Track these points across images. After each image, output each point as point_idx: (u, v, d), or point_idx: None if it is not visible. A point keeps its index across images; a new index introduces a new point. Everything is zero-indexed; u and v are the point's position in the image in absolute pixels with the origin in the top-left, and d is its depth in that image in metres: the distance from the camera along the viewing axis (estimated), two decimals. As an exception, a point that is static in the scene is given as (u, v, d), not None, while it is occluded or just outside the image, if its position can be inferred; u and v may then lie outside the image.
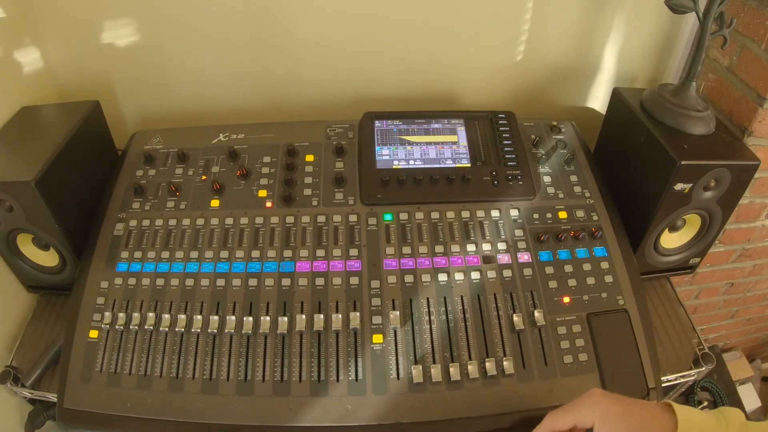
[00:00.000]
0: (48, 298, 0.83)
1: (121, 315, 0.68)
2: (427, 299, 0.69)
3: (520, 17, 0.91)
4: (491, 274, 0.72)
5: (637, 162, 0.81)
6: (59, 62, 0.89)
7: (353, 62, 0.94)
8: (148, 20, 0.86)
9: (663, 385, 0.68)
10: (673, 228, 0.82)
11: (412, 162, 0.82)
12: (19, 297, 0.81)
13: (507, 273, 0.72)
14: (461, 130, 0.86)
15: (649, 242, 0.80)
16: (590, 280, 0.72)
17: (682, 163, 0.71)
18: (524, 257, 0.74)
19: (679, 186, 0.73)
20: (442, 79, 0.99)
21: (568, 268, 0.73)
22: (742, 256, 1.12)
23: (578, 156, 0.86)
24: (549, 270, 0.73)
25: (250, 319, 0.67)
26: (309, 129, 0.87)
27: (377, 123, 0.86)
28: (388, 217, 0.77)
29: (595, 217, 0.79)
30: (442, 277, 0.71)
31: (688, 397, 1.31)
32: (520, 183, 0.80)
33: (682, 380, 0.77)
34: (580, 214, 0.79)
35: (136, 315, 0.68)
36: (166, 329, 0.67)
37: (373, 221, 0.76)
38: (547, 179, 0.82)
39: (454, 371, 0.64)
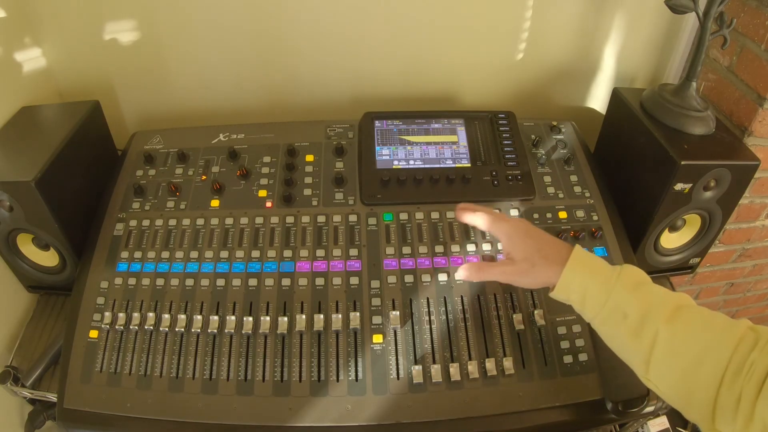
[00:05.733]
0: (48, 298, 0.83)
1: (121, 315, 0.68)
2: (427, 299, 0.69)
3: (520, 17, 0.91)
4: (491, 274, 0.72)
5: (637, 162, 0.81)
6: (59, 62, 0.89)
7: (353, 62, 0.94)
8: (148, 20, 0.86)
9: (663, 385, 0.68)
10: (673, 228, 0.82)
11: (412, 162, 0.82)
12: (19, 297, 0.81)
13: (507, 273, 0.72)
14: (461, 130, 0.86)
15: (649, 242, 0.80)
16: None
17: (682, 163, 0.71)
18: (524, 257, 0.73)
19: (679, 186, 0.73)
20: (442, 79, 0.99)
21: (568, 268, 0.73)
22: (742, 256, 1.12)
23: (578, 156, 0.86)
24: (549, 270, 0.73)
25: (250, 319, 0.67)
26: (309, 129, 0.87)
27: (377, 123, 0.86)
28: (388, 217, 0.77)
29: (595, 217, 0.79)
30: (442, 277, 0.71)
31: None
32: (520, 183, 0.80)
33: (682, 380, 0.77)
34: (580, 214, 0.79)
35: (136, 315, 0.68)
36: (166, 329, 0.67)
37: (373, 221, 0.76)
38: (547, 179, 0.82)
39: (454, 371, 0.64)
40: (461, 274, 0.63)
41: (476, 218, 0.62)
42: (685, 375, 0.49)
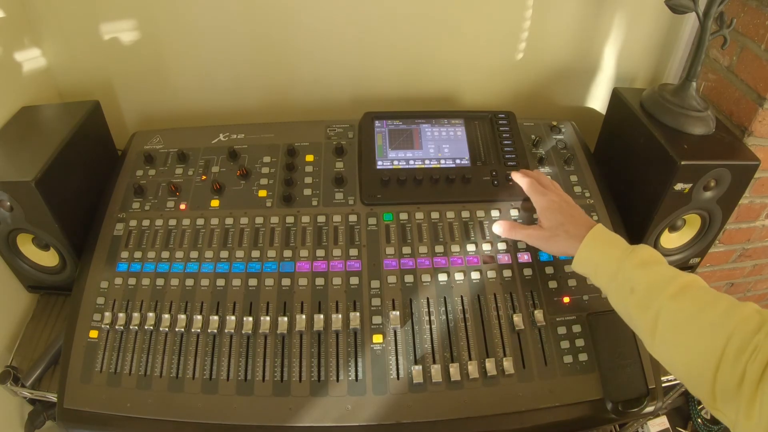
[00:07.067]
0: (48, 298, 0.83)
1: (121, 315, 0.68)
2: (427, 299, 0.69)
3: (520, 17, 0.91)
4: (491, 274, 0.72)
5: (637, 162, 0.81)
6: (59, 62, 0.89)
7: (353, 62, 0.94)
8: (148, 20, 0.86)
9: (663, 385, 0.68)
10: (673, 228, 0.82)
11: (412, 162, 0.82)
12: (19, 297, 0.81)
13: (507, 273, 0.72)
14: (461, 130, 0.86)
15: (650, 242, 0.80)
16: (590, 280, 0.72)
17: (682, 163, 0.71)
18: (524, 257, 0.74)
19: (679, 186, 0.73)
20: (442, 79, 0.99)
21: (568, 268, 0.73)
22: (742, 256, 1.12)
23: (578, 156, 0.86)
24: (549, 270, 0.73)
25: (250, 319, 0.67)
26: (309, 129, 0.87)
27: (377, 123, 0.86)
28: (388, 217, 0.77)
29: (595, 217, 0.79)
30: (442, 277, 0.71)
31: (689, 396, 1.31)
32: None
33: (682, 380, 0.77)
34: (580, 214, 0.79)
35: (136, 315, 0.68)
36: (166, 329, 0.67)
37: (373, 221, 0.76)
38: (547, 179, 0.82)
39: (454, 371, 0.64)
40: (497, 228, 0.73)
41: (523, 182, 0.74)
42: (687, 350, 0.50)
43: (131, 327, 0.67)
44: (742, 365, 0.45)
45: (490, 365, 0.64)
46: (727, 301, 0.51)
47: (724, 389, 0.47)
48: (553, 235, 0.67)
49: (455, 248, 0.74)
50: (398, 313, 0.67)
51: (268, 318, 0.67)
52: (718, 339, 0.47)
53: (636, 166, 0.82)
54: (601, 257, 0.62)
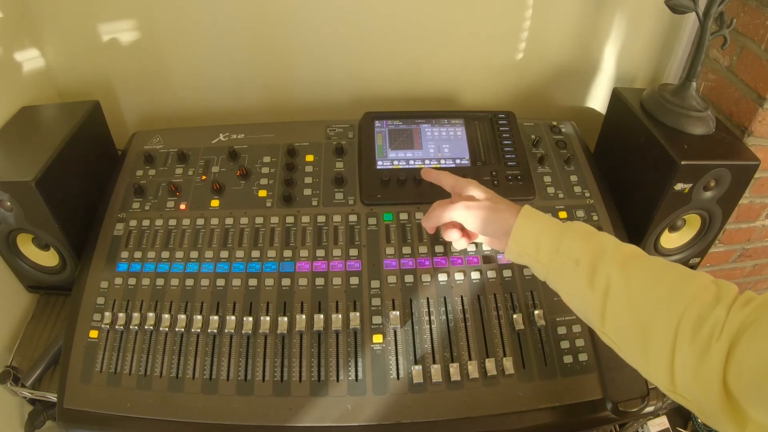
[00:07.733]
0: (48, 298, 0.83)
1: (121, 315, 0.68)
2: (427, 299, 0.69)
3: (520, 17, 0.91)
4: (491, 274, 0.72)
5: (637, 162, 0.81)
6: (59, 62, 0.89)
7: (353, 62, 0.94)
8: (148, 20, 0.86)
9: (663, 385, 0.68)
10: (673, 228, 0.82)
11: (412, 162, 0.82)
12: (19, 297, 0.81)
13: (507, 273, 0.72)
14: (461, 130, 0.86)
15: (650, 242, 0.80)
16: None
17: (682, 163, 0.71)
18: (524, 257, 0.73)
19: (679, 186, 0.73)
20: (442, 79, 0.99)
21: (568, 268, 0.73)
22: (742, 256, 1.12)
23: (578, 156, 0.86)
24: (549, 270, 0.73)
25: (250, 319, 0.67)
26: (309, 129, 0.87)
27: (377, 123, 0.86)
28: (388, 217, 0.77)
29: (595, 217, 0.79)
30: (442, 277, 0.71)
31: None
32: (520, 183, 0.80)
33: (682, 380, 0.77)
34: (580, 214, 0.79)
35: (136, 315, 0.68)
36: (166, 329, 0.67)
37: (373, 221, 0.76)
38: (547, 179, 0.82)
39: (454, 371, 0.64)
40: (425, 221, 0.65)
41: (441, 177, 0.68)
42: (641, 324, 0.47)
43: (131, 327, 0.67)
44: (702, 341, 0.42)
45: (490, 365, 0.64)
46: (679, 270, 0.48)
47: (683, 369, 0.43)
48: (494, 203, 0.60)
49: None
50: (398, 313, 0.67)
51: (268, 318, 0.67)
52: (674, 311, 0.44)
53: (636, 166, 0.82)
54: (542, 230, 0.56)
